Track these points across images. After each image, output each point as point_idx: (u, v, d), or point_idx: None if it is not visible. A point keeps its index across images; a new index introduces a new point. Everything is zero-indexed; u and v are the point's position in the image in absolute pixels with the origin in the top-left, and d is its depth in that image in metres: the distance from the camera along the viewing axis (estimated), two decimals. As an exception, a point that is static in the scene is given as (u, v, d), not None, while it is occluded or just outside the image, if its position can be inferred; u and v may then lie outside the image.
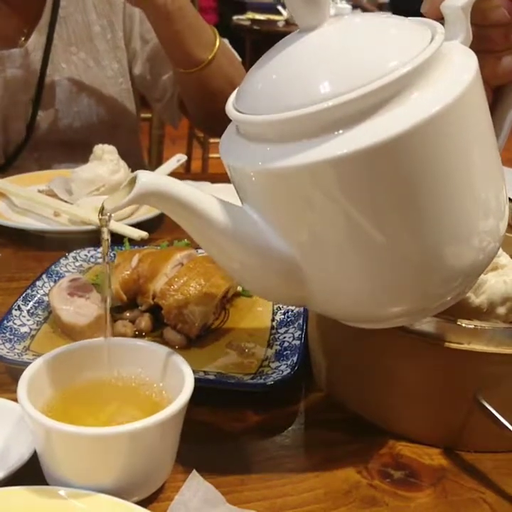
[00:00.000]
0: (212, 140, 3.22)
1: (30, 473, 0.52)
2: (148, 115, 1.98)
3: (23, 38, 1.29)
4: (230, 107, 0.51)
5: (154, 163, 1.89)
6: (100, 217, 0.50)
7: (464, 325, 0.57)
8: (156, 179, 0.47)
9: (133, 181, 0.47)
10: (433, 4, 0.55)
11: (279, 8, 4.67)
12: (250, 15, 4.64)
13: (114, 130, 1.37)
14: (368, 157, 0.44)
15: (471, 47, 0.51)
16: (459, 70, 0.47)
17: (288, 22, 4.56)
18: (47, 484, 0.52)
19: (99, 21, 1.32)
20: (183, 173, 1.32)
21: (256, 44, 4.91)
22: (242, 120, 0.49)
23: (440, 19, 0.52)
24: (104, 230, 0.51)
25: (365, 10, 4.84)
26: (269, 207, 0.49)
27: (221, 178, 1.26)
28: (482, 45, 0.52)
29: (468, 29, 0.52)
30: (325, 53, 0.47)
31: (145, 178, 0.47)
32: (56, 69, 1.30)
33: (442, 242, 0.48)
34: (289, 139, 0.46)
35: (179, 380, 0.53)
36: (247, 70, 1.44)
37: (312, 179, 0.46)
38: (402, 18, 0.50)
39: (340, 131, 0.45)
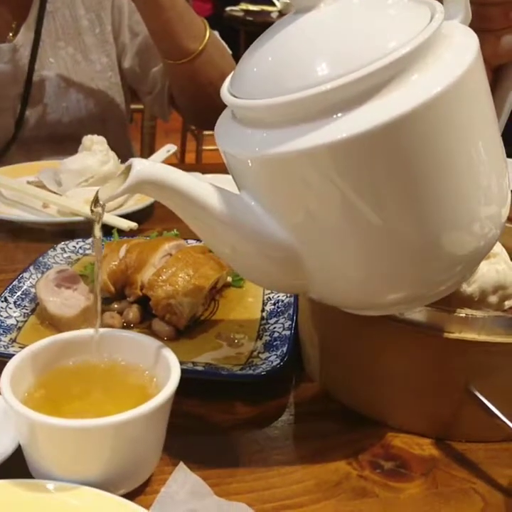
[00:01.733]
0: (206, 132, 3.21)
1: (15, 466, 0.51)
2: (141, 106, 1.97)
3: (11, 34, 1.28)
4: (224, 92, 0.50)
5: (146, 155, 1.87)
6: (93, 208, 0.49)
7: (455, 314, 0.57)
8: (151, 167, 0.46)
9: (128, 170, 0.46)
10: None
11: (273, -2, 4.64)
12: (244, 6, 4.61)
13: (103, 124, 1.36)
14: (367, 141, 0.43)
15: (471, 26, 0.50)
16: (460, 50, 0.46)
17: (281, 13, 4.54)
18: (32, 478, 0.51)
19: (87, 15, 1.31)
20: (176, 164, 1.31)
21: (250, 35, 4.89)
22: (238, 105, 0.48)
23: None
24: (96, 226, 0.50)
25: None
26: (267, 193, 0.48)
27: (213, 169, 1.25)
28: (481, 23, 0.51)
29: (467, 8, 0.50)
30: (322, 35, 0.46)
31: (140, 166, 0.46)
32: (44, 64, 1.29)
33: (443, 227, 0.48)
34: (286, 123, 0.45)
35: (166, 371, 0.52)
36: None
37: (311, 164, 0.45)
38: None
39: (339, 115, 0.44)
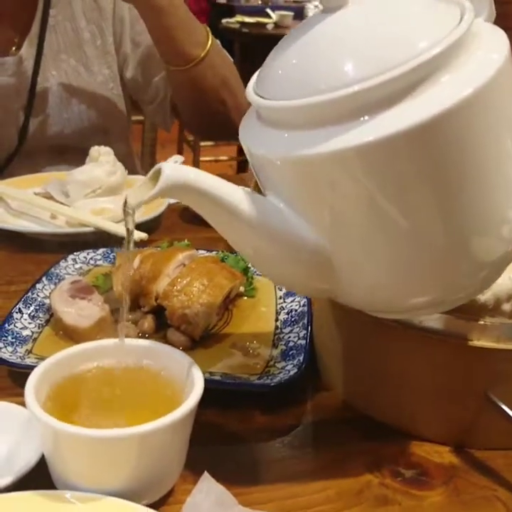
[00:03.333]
0: (202, 144, 3.22)
1: (38, 477, 0.51)
2: (141, 117, 1.97)
3: (14, 48, 1.28)
4: (250, 92, 0.49)
5: (146, 168, 1.88)
6: (124, 209, 0.49)
7: (474, 321, 0.57)
8: (181, 171, 0.46)
9: (156, 175, 0.46)
10: None
11: (268, 11, 4.66)
12: (239, 18, 4.63)
13: (105, 135, 1.36)
14: (396, 144, 0.43)
15: (494, 24, 0.50)
16: (490, 49, 0.45)
17: (277, 25, 4.56)
18: (55, 488, 0.51)
19: (88, 27, 1.32)
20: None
21: (245, 47, 4.91)
22: (265, 105, 0.48)
23: None
24: (129, 219, 0.50)
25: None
26: (295, 195, 0.48)
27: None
28: (504, 22, 0.51)
29: (491, 6, 0.50)
30: (350, 34, 0.46)
31: (169, 170, 0.45)
32: (47, 77, 1.29)
33: (471, 231, 0.47)
34: (314, 124, 0.45)
35: (189, 380, 0.52)
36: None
37: (339, 167, 0.45)
38: None
39: (367, 117, 0.43)
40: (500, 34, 0.48)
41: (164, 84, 1.37)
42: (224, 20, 4.60)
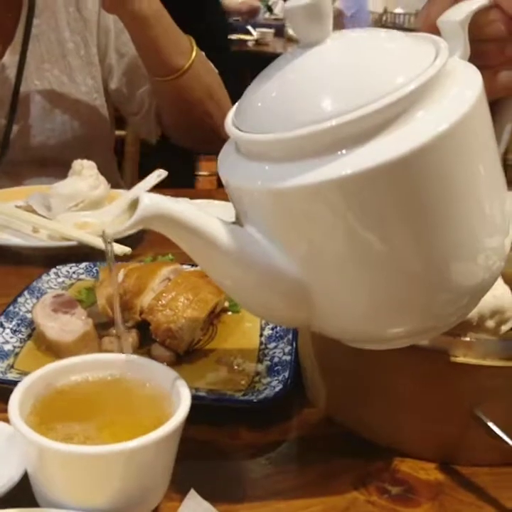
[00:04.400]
0: (183, 158, 3.22)
1: (21, 495, 0.50)
2: (123, 132, 1.97)
3: None
4: (229, 124, 0.50)
5: (129, 180, 1.87)
6: (103, 238, 0.49)
7: (459, 338, 0.57)
8: (160, 202, 0.45)
9: (134, 204, 0.46)
10: (427, 19, 0.54)
11: (249, 28, 4.70)
12: (221, 34, 4.65)
13: (88, 146, 1.35)
14: (373, 177, 0.43)
15: (468, 61, 0.51)
16: (464, 86, 0.47)
17: (258, 42, 4.60)
18: (38, 506, 0.50)
19: (72, 38, 1.32)
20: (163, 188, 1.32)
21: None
22: (243, 139, 0.48)
23: (435, 34, 0.52)
24: (108, 248, 0.50)
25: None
26: (273, 227, 0.48)
27: (196, 194, 1.26)
28: (478, 60, 0.52)
29: (466, 44, 0.52)
30: (328, 70, 0.47)
31: (148, 200, 0.45)
32: (29, 86, 1.29)
33: (450, 260, 0.48)
34: (292, 157, 0.45)
35: (175, 395, 0.52)
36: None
37: (316, 199, 0.45)
38: (404, 33, 0.50)
39: (345, 151, 0.44)
40: (474, 71, 0.49)
41: (149, 95, 1.37)
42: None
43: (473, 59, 0.52)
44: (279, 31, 4.76)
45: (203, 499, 0.50)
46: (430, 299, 0.50)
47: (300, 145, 0.45)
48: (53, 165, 1.28)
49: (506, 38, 0.54)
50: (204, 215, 0.48)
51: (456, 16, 0.51)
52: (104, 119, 1.38)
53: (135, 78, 1.37)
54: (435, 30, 0.52)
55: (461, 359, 0.57)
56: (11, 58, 1.27)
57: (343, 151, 0.44)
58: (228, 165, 0.50)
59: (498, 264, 0.52)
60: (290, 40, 4.58)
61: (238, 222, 0.51)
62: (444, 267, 0.48)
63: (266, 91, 0.49)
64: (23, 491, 0.50)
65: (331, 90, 0.45)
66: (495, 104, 0.55)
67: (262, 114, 0.48)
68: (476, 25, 0.52)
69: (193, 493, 0.51)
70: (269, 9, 6.40)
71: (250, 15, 5.14)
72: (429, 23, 0.53)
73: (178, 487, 0.54)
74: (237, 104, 0.52)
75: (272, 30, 4.68)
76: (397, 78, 0.44)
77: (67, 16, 1.31)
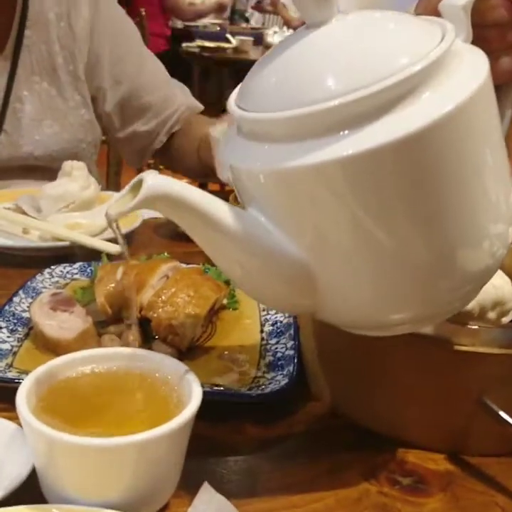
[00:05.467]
0: (162, 166, 3.20)
1: (29, 491, 0.49)
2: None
3: None
4: (232, 105, 0.49)
5: (112, 187, 1.85)
6: (107, 219, 0.48)
7: (466, 326, 0.57)
8: (164, 182, 0.45)
9: (138, 185, 0.45)
10: (429, 3, 0.54)
11: (228, 36, 4.71)
12: (199, 42, 4.66)
13: (75, 158, 1.34)
14: (376, 158, 0.43)
15: None
16: (470, 67, 0.46)
17: (237, 49, 4.61)
18: (47, 502, 0.49)
19: (62, 52, 1.31)
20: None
21: (204, 70, 4.94)
22: (246, 117, 0.48)
23: None
24: (114, 227, 0.49)
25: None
26: (276, 209, 0.48)
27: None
28: (479, 46, 0.52)
29: (468, 29, 0.51)
30: (333, 50, 0.46)
31: (151, 180, 0.44)
32: (19, 96, 1.27)
33: (454, 245, 0.48)
34: (294, 137, 0.45)
35: (186, 387, 0.51)
36: (196, 95, 1.55)
37: (319, 180, 0.44)
38: (410, 14, 0.49)
39: (348, 131, 0.43)
40: (480, 54, 0.49)
41: (149, 138, 1.40)
42: (184, 45, 4.63)
43: (474, 45, 0.51)
44: (259, 39, 4.78)
45: (216, 492, 0.50)
46: (434, 285, 0.49)
47: (303, 124, 0.44)
48: (40, 174, 1.27)
49: (508, 23, 0.54)
50: (208, 197, 0.47)
51: (459, 1, 0.51)
52: (91, 134, 1.37)
53: (129, 111, 1.38)
54: (436, 15, 0.52)
55: (468, 347, 0.57)
56: (1, 68, 1.25)
57: (346, 132, 0.43)
58: (230, 147, 0.50)
59: (502, 251, 0.52)
60: (269, 48, 4.59)
61: (242, 205, 0.51)
62: (448, 252, 0.48)
63: (269, 71, 0.48)
64: (32, 487, 0.49)
65: (335, 70, 0.45)
66: (496, 91, 0.55)
67: (265, 94, 0.47)
68: (477, 10, 0.52)
69: (206, 486, 0.50)
70: (246, 20, 6.44)
71: (220, 11, 5.19)
72: (431, 8, 0.53)
73: (188, 483, 0.53)
74: (240, 84, 0.51)
75: (251, 38, 4.69)
76: (402, 58, 0.44)
77: (58, 29, 1.29)
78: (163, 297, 0.70)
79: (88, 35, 1.32)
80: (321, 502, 0.53)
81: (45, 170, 1.27)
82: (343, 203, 0.45)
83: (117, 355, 0.55)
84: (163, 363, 0.54)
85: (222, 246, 0.49)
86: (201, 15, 4.98)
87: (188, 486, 0.53)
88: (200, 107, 1.45)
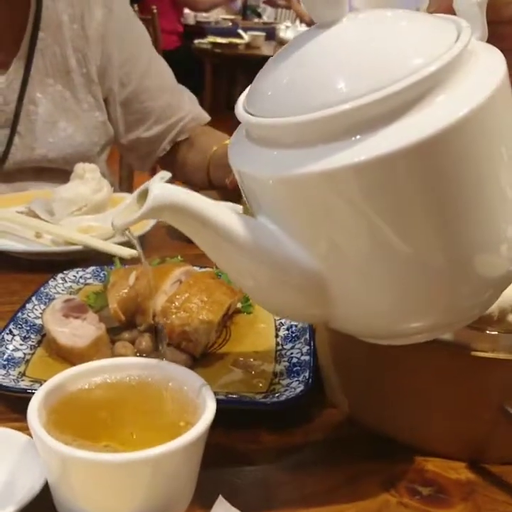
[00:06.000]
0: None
1: (41, 505, 0.48)
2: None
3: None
4: (240, 109, 0.48)
5: (124, 189, 1.85)
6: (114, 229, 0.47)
7: (486, 332, 0.56)
8: (170, 191, 0.44)
9: (144, 194, 0.44)
10: (443, 1, 0.52)
11: (241, 31, 4.69)
12: (211, 38, 4.65)
13: (89, 160, 1.34)
14: (390, 164, 0.42)
15: None
16: (487, 68, 0.45)
17: (249, 45, 4.59)
18: (60, 518, 0.48)
19: (75, 55, 1.30)
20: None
21: (216, 66, 4.93)
22: (255, 123, 0.46)
23: None
24: (128, 234, 0.48)
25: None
26: (287, 217, 0.47)
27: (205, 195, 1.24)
28: (495, 43, 0.50)
29: (484, 26, 0.50)
30: (344, 51, 0.45)
31: (158, 190, 0.43)
32: (33, 99, 1.27)
33: (472, 251, 0.46)
34: (305, 143, 0.43)
35: (199, 398, 0.50)
36: (207, 91, 1.59)
37: (331, 186, 0.43)
38: (423, 13, 0.48)
39: (360, 136, 0.42)
40: (497, 53, 0.47)
41: (152, 145, 1.39)
42: (196, 41, 4.62)
43: (491, 42, 0.49)
44: (271, 34, 4.76)
45: (231, 505, 0.49)
46: (453, 292, 0.48)
47: (313, 130, 0.43)
48: (54, 176, 1.27)
49: None
50: (216, 206, 0.46)
51: None
52: (105, 136, 1.37)
53: (131, 115, 1.38)
54: (451, 13, 0.51)
55: (488, 354, 0.55)
56: (15, 70, 1.25)
57: (358, 137, 0.42)
58: (238, 152, 0.48)
59: None
60: (281, 43, 4.58)
61: (251, 213, 0.50)
62: (467, 258, 0.46)
63: (278, 73, 0.46)
64: (44, 501, 0.48)
65: (346, 72, 0.43)
66: None
67: (274, 98, 0.46)
68: (493, 6, 0.50)
69: (221, 500, 0.49)
70: (258, 15, 6.41)
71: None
72: (446, 5, 0.51)
73: (203, 495, 0.52)
74: (248, 88, 0.50)
75: (263, 34, 4.67)
76: (416, 59, 0.42)
77: (71, 32, 1.28)
78: (177, 303, 0.69)
79: (101, 38, 1.31)
80: (339, 513, 0.52)
81: (59, 172, 1.27)
82: (356, 210, 0.44)
83: (130, 364, 0.55)
84: (176, 373, 0.53)
85: (231, 256, 0.47)
86: (216, 3, 4.93)
87: (203, 498, 0.52)
88: (207, 117, 1.44)
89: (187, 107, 1.40)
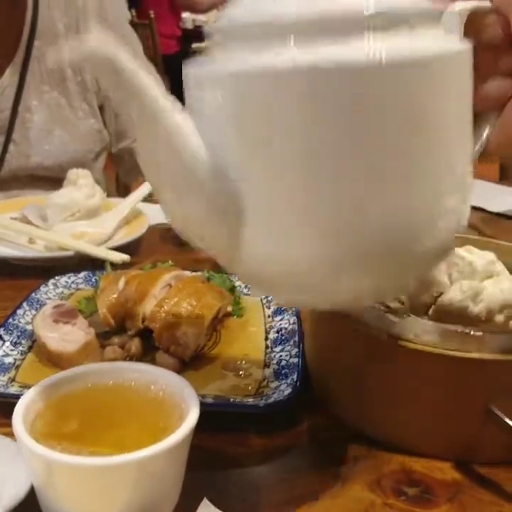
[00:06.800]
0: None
1: (28, 510, 0.48)
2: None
3: None
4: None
5: (122, 191, 1.85)
6: None
7: (472, 333, 0.56)
8: (108, 46, 0.41)
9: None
10: None
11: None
12: (209, 43, 4.64)
13: (83, 167, 1.35)
14: (327, 76, 0.40)
15: None
16: (455, 38, 0.47)
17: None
18: (46, 522, 0.48)
19: (70, 64, 1.30)
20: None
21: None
22: (211, 27, 0.46)
23: None
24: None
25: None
26: (219, 118, 0.44)
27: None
28: None
29: (461, 36, 0.50)
30: None
31: (95, 41, 0.40)
32: (28, 106, 1.28)
33: (409, 207, 0.44)
34: (255, 44, 0.42)
35: (183, 401, 0.50)
36: None
37: (276, 86, 0.41)
38: None
39: (309, 46, 0.41)
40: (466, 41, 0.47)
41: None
42: (194, 45, 4.62)
43: None
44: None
45: (216, 508, 0.49)
46: (387, 244, 0.44)
47: (264, 32, 0.42)
48: (49, 184, 1.27)
49: (502, 45, 0.52)
50: (151, 78, 0.43)
51: (456, 6, 0.50)
52: (101, 144, 1.38)
53: (121, 124, 1.39)
54: None
55: (474, 355, 0.55)
56: (11, 77, 1.26)
57: (308, 45, 0.41)
58: (191, 65, 0.47)
59: (457, 225, 0.48)
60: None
61: None
62: (403, 203, 0.44)
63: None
64: (31, 506, 0.49)
65: None
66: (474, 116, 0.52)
67: (236, 11, 0.45)
68: (473, 28, 0.51)
69: (205, 503, 0.49)
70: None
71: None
72: None
73: (189, 497, 0.52)
74: None
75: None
76: None
77: (66, 40, 1.29)
78: (166, 307, 0.69)
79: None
80: (325, 515, 0.52)
81: (54, 180, 1.27)
82: (296, 115, 0.42)
83: (117, 369, 0.55)
84: (162, 377, 0.54)
85: (150, 139, 0.44)
86: (215, 3, 4.89)
87: (190, 501, 0.52)
88: None
89: None
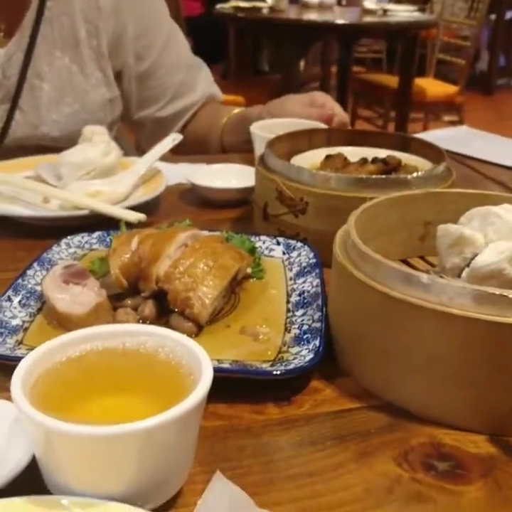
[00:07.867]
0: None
1: (29, 480, 0.45)
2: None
3: (1, 34, 1.20)
4: None
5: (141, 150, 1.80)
6: None
7: (509, 296, 0.51)
8: None
9: None
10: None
11: (264, -6, 4.57)
12: (234, 3, 4.54)
13: None
14: None
15: None
16: None
17: (273, 9, 4.48)
18: (49, 492, 0.45)
19: (85, 26, 1.23)
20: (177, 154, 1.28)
21: (240, 32, 4.83)
22: None
23: None
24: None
25: None
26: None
27: (217, 159, 1.20)
28: None
29: None
30: None
31: None
32: (38, 72, 1.20)
33: None
34: None
35: (196, 367, 0.46)
36: (232, 57, 1.64)
37: None
38: None
39: None
40: None
41: (163, 127, 1.36)
42: (219, 6, 4.53)
43: None
44: (294, -3, 4.64)
45: (229, 481, 0.45)
46: None
47: None
48: (57, 151, 1.23)
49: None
50: None
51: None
52: (112, 114, 1.31)
53: (146, 91, 1.35)
54: None
55: (510, 320, 0.51)
56: (19, 41, 1.18)
57: None
58: None
59: None
60: (305, 6, 4.46)
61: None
62: None
63: None
64: (33, 476, 0.46)
65: None
66: None
67: None
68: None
69: (218, 475, 0.46)
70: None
71: None
72: None
73: (202, 469, 0.49)
74: None
75: (286, -4, 4.55)
76: None
77: (81, 2, 1.22)
78: (181, 268, 0.65)
79: (114, 9, 1.25)
80: (347, 491, 0.49)
81: (62, 150, 1.22)
82: None
83: (125, 332, 0.51)
84: (176, 341, 0.50)
85: None
86: None
87: (203, 473, 0.49)
88: (221, 97, 1.42)
89: (201, 88, 1.38)
